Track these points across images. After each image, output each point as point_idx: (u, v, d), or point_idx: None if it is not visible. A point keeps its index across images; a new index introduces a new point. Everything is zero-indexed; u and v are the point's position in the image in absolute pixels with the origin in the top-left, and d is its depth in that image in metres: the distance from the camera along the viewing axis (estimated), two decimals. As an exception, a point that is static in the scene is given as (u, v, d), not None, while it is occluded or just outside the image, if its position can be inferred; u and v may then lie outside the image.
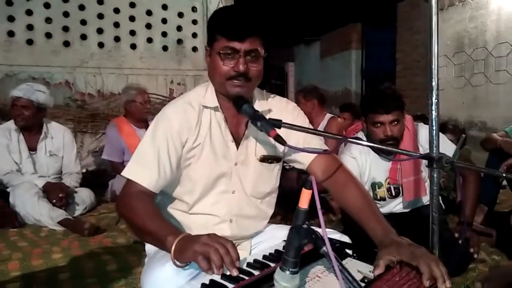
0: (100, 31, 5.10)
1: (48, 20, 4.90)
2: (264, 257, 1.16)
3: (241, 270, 1.02)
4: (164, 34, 5.37)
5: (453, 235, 1.93)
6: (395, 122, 1.93)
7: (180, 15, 5.43)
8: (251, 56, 1.21)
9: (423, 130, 2.07)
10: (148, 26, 5.30)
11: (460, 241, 1.81)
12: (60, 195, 2.83)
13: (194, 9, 5.47)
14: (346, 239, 1.31)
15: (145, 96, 3.57)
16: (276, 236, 1.38)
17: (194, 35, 5.50)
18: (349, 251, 1.17)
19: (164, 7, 5.35)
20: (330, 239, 0.97)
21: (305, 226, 0.89)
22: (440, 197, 1.46)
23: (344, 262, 1.10)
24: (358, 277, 0.98)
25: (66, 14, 4.95)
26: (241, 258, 1.03)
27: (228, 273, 0.99)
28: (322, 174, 1.35)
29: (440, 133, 1.46)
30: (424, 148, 2.03)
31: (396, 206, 2.14)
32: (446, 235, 1.87)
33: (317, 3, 8.11)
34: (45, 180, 2.96)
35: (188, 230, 1.30)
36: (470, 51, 5.28)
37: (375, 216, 1.21)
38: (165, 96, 5.15)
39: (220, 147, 1.32)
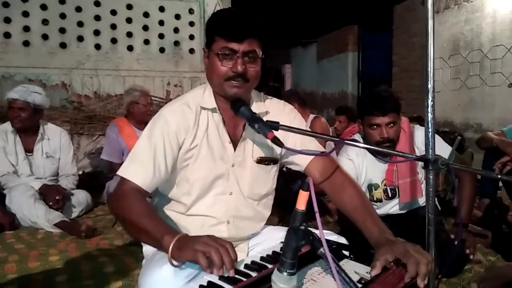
0: (97, 32, 5.10)
1: (45, 21, 4.90)
2: (262, 258, 1.16)
3: (238, 272, 1.03)
4: (161, 36, 5.38)
5: (449, 236, 1.94)
6: (391, 124, 1.94)
7: (177, 17, 5.43)
8: (249, 57, 1.22)
9: (419, 132, 2.08)
10: (145, 28, 5.30)
11: (456, 242, 1.82)
12: (57, 197, 2.81)
13: (191, 11, 5.48)
14: (343, 240, 1.32)
15: (148, 98, 3.57)
16: (273, 238, 1.38)
17: (191, 37, 5.51)
18: (346, 253, 1.18)
19: (161, 9, 5.35)
20: (327, 241, 0.98)
21: (302, 227, 0.90)
22: (436, 198, 1.48)
23: (341, 263, 1.10)
24: (355, 278, 0.99)
25: (62, 16, 4.95)
26: (238, 259, 1.04)
27: (226, 274, 1.00)
28: (320, 175, 1.36)
29: (436, 135, 1.47)
30: (420, 150, 2.04)
31: (392, 207, 2.15)
32: (442, 236, 1.88)
33: (314, 5, 8.15)
34: (42, 182, 2.95)
35: (185, 232, 1.30)
36: (465, 54, 5.32)
37: (371, 217, 1.22)
38: (162, 98, 5.15)
39: (217, 149, 1.33)
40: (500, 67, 4.82)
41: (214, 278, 1.00)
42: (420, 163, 2.09)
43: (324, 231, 1.15)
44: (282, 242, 1.25)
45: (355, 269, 1.05)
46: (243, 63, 1.21)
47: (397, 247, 1.04)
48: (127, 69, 5.20)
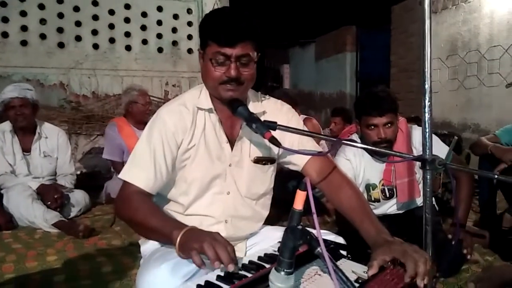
0: (95, 32, 5.09)
1: (43, 21, 4.88)
2: (259, 258, 1.16)
3: (236, 272, 1.03)
4: (159, 35, 5.37)
5: (447, 236, 1.95)
6: (389, 125, 1.94)
7: (175, 17, 5.43)
8: (242, 61, 1.22)
9: (417, 132, 2.08)
10: (143, 27, 5.29)
11: (453, 242, 1.83)
12: (55, 196, 2.81)
13: (189, 11, 5.48)
14: (340, 240, 1.32)
15: (146, 98, 3.58)
16: (271, 237, 1.39)
17: (189, 37, 5.50)
18: (344, 252, 1.19)
19: (159, 9, 5.35)
20: (325, 240, 0.98)
21: (299, 227, 0.90)
22: (434, 198, 1.48)
23: (338, 263, 1.11)
24: (353, 277, 0.99)
25: (60, 15, 4.93)
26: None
27: (230, 270, 1.00)
28: (317, 175, 1.36)
29: (434, 135, 1.48)
30: (417, 150, 2.04)
31: (390, 207, 2.16)
32: (439, 236, 1.89)
33: (312, 5, 8.15)
34: (39, 182, 2.94)
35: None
36: (463, 54, 5.33)
37: (368, 217, 1.22)
38: (160, 97, 5.15)
39: (214, 148, 1.33)
40: (497, 68, 4.83)
41: (212, 278, 1.00)
42: (418, 164, 2.10)
43: (322, 231, 1.16)
44: (279, 242, 1.26)
45: (353, 269, 1.05)
46: (236, 68, 1.21)
47: (395, 247, 1.04)
48: (125, 69, 5.19)
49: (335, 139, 1.28)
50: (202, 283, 0.98)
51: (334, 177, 1.36)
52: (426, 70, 1.24)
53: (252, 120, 1.20)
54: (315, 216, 0.83)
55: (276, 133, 1.19)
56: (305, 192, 0.89)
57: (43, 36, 4.89)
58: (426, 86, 1.25)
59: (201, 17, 5.35)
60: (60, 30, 4.94)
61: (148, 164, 1.26)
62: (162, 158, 1.27)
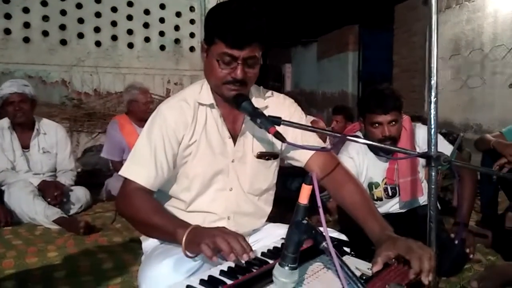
0: (97, 29, 5.09)
1: (45, 18, 4.89)
2: (263, 254, 1.15)
3: (239, 267, 1.02)
4: (161, 33, 5.37)
5: (449, 235, 1.94)
6: (393, 123, 1.93)
7: (178, 14, 5.43)
8: (248, 63, 1.21)
9: (421, 131, 2.08)
10: (146, 25, 5.29)
11: (456, 242, 1.82)
12: (56, 193, 2.80)
13: (192, 9, 5.47)
14: (343, 237, 1.31)
15: (147, 96, 3.55)
16: (274, 234, 1.37)
17: (192, 35, 5.50)
18: (347, 249, 1.18)
19: (162, 6, 5.35)
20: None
21: (304, 221, 0.89)
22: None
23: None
24: (357, 274, 0.98)
25: (63, 12, 4.94)
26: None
27: (243, 261, 0.99)
28: (320, 171, 1.35)
29: (438, 134, 1.47)
30: (421, 148, 2.03)
31: (392, 206, 2.15)
32: (442, 235, 1.88)
33: (315, 5, 8.13)
34: (40, 178, 2.93)
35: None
36: (466, 53, 5.32)
37: (372, 213, 1.21)
38: (162, 95, 5.15)
39: (217, 144, 1.32)
40: (501, 68, 4.82)
41: (215, 273, 1.00)
42: (421, 162, 2.10)
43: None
44: (283, 238, 1.26)
45: (357, 265, 1.04)
46: (242, 69, 1.19)
47: (399, 243, 1.03)
48: (127, 67, 5.19)
49: (339, 135, 1.27)
50: (205, 278, 0.97)
51: (337, 173, 1.34)
52: (433, 65, 1.23)
53: (257, 115, 1.19)
54: (321, 210, 0.82)
55: (279, 128, 1.18)
56: (311, 186, 0.88)
57: (45, 33, 4.89)
58: (432, 82, 1.24)
59: (204, 15, 5.39)
60: (62, 27, 4.95)
61: (148, 161, 1.24)
62: (163, 154, 1.25)
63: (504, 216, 2.34)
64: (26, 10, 4.79)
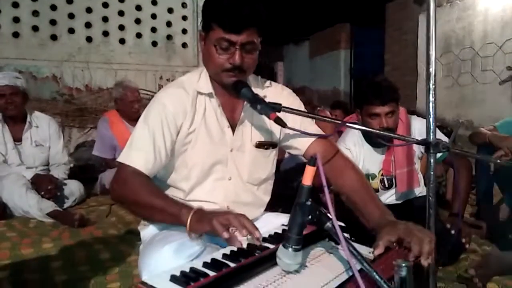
0: (88, 25, 5.05)
1: (35, 13, 4.83)
2: (264, 239, 1.15)
3: (241, 250, 1.02)
4: (153, 29, 5.34)
5: (445, 225, 1.95)
6: (391, 114, 1.94)
7: (170, 10, 5.40)
8: (246, 48, 1.20)
9: (417, 122, 2.09)
10: (138, 21, 5.26)
11: (453, 231, 1.83)
12: (49, 187, 2.76)
13: (184, 5, 5.45)
14: (341, 224, 1.32)
15: (135, 94, 3.50)
16: (273, 223, 1.37)
17: (184, 31, 5.48)
18: (347, 235, 1.18)
19: (154, 2, 5.32)
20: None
21: (308, 203, 0.89)
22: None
23: (343, 245, 1.10)
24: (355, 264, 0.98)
25: (53, 7, 4.89)
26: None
27: (229, 252, 0.99)
28: (320, 159, 1.35)
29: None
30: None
31: (389, 197, 2.16)
32: (438, 225, 1.89)
33: (306, 3, 8.14)
34: (33, 171, 2.89)
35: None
36: (457, 51, 5.37)
37: (372, 199, 1.22)
38: (154, 92, 5.11)
39: (216, 133, 1.31)
40: (491, 65, 4.88)
41: (218, 256, 0.99)
42: (417, 153, 2.12)
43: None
44: (283, 225, 1.26)
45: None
46: (241, 55, 1.19)
47: (399, 227, 1.04)
48: (119, 63, 5.16)
49: (339, 121, 1.27)
50: (208, 261, 0.96)
51: (337, 160, 1.35)
52: (431, 53, 1.24)
53: (257, 101, 1.19)
54: (326, 189, 0.82)
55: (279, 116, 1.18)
56: (315, 168, 0.88)
57: (35, 28, 4.84)
58: (431, 70, 1.25)
59: (196, 12, 5.37)
60: (53, 22, 4.90)
61: (146, 146, 1.23)
62: (161, 140, 1.24)
63: (498, 208, 2.37)
64: (15, 5, 4.73)
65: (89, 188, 3.35)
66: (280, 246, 0.91)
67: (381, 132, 1.38)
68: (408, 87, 6.20)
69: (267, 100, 1.33)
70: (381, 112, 1.92)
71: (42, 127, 3.07)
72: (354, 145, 2.08)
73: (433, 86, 1.25)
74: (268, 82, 1.44)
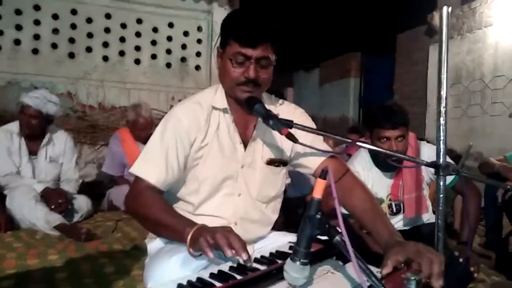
0: (105, 44, 5.17)
1: (55, 31, 4.97)
2: (271, 254, 1.15)
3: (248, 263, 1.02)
4: (168, 51, 5.45)
5: (454, 253, 1.93)
6: (401, 138, 1.95)
7: (186, 33, 5.52)
8: (262, 63, 1.23)
9: (426, 148, 2.10)
10: (153, 42, 5.38)
11: (461, 260, 1.80)
12: (60, 201, 2.77)
13: (199, 29, 5.58)
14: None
15: (148, 121, 3.53)
16: (279, 241, 1.36)
17: (198, 54, 5.58)
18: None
19: (170, 25, 5.44)
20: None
21: (318, 216, 0.89)
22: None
23: (349, 264, 1.09)
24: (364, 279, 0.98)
25: (73, 26, 5.02)
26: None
27: (241, 260, 0.99)
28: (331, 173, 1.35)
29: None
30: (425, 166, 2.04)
31: (396, 223, 2.13)
32: (447, 253, 1.87)
33: (318, 30, 8.30)
34: (44, 185, 2.91)
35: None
36: (467, 83, 5.39)
37: (381, 219, 1.22)
38: (166, 112, 5.17)
39: (228, 148, 1.33)
40: (501, 97, 4.88)
41: (225, 268, 0.99)
42: (426, 179, 2.11)
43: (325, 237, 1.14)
44: (290, 242, 1.25)
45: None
46: (255, 69, 1.22)
47: (409, 247, 1.03)
48: (133, 82, 5.25)
49: (350, 141, 1.28)
50: (215, 272, 0.97)
51: (346, 179, 1.35)
52: (443, 76, 1.26)
53: (269, 117, 1.20)
54: (336, 201, 0.83)
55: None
56: (325, 181, 0.89)
57: (54, 46, 4.96)
58: (442, 93, 1.27)
59: (210, 36, 5.50)
60: (71, 40, 5.02)
61: (159, 160, 1.25)
62: (174, 155, 1.26)
63: (507, 239, 2.33)
64: (37, 22, 4.87)
65: (96, 204, 3.37)
66: (288, 260, 0.91)
67: (391, 152, 1.39)
68: (417, 117, 6.21)
69: (279, 117, 1.36)
70: (391, 136, 1.93)
71: (59, 144, 3.12)
72: (362, 168, 2.08)
73: (444, 109, 1.26)
74: (281, 101, 1.47)
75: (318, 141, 1.40)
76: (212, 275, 0.95)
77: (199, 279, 0.92)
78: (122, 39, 5.24)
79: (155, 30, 5.38)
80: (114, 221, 2.96)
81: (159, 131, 1.31)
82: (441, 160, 1.25)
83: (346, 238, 0.83)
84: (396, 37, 7.34)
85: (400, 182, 2.07)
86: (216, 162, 1.32)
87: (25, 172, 2.96)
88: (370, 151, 2.12)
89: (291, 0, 7.93)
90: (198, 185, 1.32)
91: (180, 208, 1.36)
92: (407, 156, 1.69)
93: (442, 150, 1.26)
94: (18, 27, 4.77)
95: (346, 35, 8.21)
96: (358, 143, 1.32)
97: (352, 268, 1.04)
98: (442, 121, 1.25)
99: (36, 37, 4.87)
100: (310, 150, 1.36)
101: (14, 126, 2.98)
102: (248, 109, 1.27)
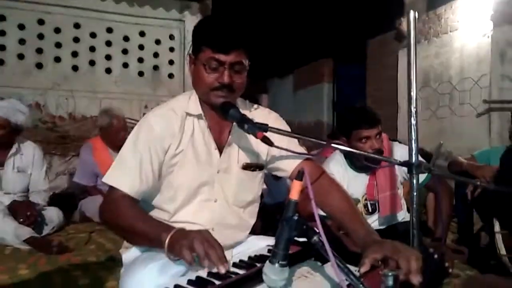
0: (75, 54, 5.07)
1: (22, 41, 4.84)
2: (250, 258, 1.15)
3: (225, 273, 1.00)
4: (140, 60, 5.40)
5: (428, 250, 1.96)
6: (379, 136, 2.00)
7: (158, 42, 5.48)
8: (235, 68, 1.23)
9: (398, 148, 2.14)
10: (125, 51, 5.32)
11: (435, 256, 1.84)
12: (28, 213, 2.68)
13: (171, 37, 5.55)
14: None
15: (121, 123, 3.51)
16: (257, 246, 1.36)
17: (171, 62, 5.55)
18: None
19: (142, 33, 5.40)
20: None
21: (295, 217, 0.89)
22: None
23: (328, 264, 1.09)
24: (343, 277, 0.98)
25: (40, 36, 4.91)
26: None
27: (215, 270, 0.98)
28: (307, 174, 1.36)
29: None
30: (399, 166, 2.08)
31: (372, 222, 2.16)
32: (421, 250, 1.90)
33: (291, 37, 8.40)
34: (11, 198, 2.82)
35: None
36: (435, 86, 5.56)
37: (358, 219, 1.23)
38: (138, 120, 5.10)
39: (203, 154, 1.32)
40: (468, 98, 5.05)
41: (203, 274, 0.98)
42: (399, 179, 2.15)
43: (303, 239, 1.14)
44: (268, 245, 1.25)
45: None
46: (229, 75, 1.22)
47: (386, 245, 1.04)
48: (104, 92, 5.16)
49: (324, 142, 1.29)
50: (193, 279, 0.95)
51: (323, 181, 1.36)
52: (412, 77, 1.29)
53: (244, 121, 1.20)
54: (313, 202, 0.83)
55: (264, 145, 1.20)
56: (301, 182, 0.89)
57: (21, 56, 4.83)
58: (412, 93, 1.29)
59: (183, 44, 5.47)
60: (39, 50, 4.91)
61: (133, 169, 1.23)
62: (148, 162, 1.25)
63: (479, 235, 2.40)
64: (2, 33, 4.74)
65: (68, 216, 3.28)
66: (267, 262, 0.90)
67: (365, 153, 1.41)
68: (389, 120, 6.34)
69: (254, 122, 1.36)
70: (371, 135, 1.97)
71: (27, 154, 3.03)
72: (337, 170, 2.10)
73: (415, 109, 1.29)
74: (255, 106, 1.47)
75: (293, 144, 1.41)
76: (190, 282, 0.93)
77: (176, 286, 0.90)
78: (92, 49, 5.16)
79: (126, 39, 5.32)
80: (87, 233, 2.88)
81: (132, 139, 1.28)
82: (414, 159, 1.27)
83: (324, 238, 0.83)
84: (367, 42, 7.50)
85: (375, 182, 2.10)
86: (192, 169, 1.30)
87: (-10, 183, 2.85)
88: (345, 154, 2.14)
89: (263, 9, 8.00)
90: (174, 193, 1.30)
91: (156, 216, 1.33)
92: (380, 156, 1.72)
93: (414, 149, 1.28)
94: (-17, 38, 4.63)
95: (318, 41, 8.33)
96: (333, 145, 1.32)
97: (330, 268, 1.05)
98: (413, 121, 1.28)
99: (1, 47, 4.74)
100: (286, 153, 1.36)
101: None
102: (222, 114, 1.26)
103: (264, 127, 1.23)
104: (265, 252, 1.20)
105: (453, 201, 2.12)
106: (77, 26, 5.08)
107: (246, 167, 1.38)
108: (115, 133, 3.43)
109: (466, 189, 2.39)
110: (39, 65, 4.91)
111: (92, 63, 5.16)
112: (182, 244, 1.02)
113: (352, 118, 2.02)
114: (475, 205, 2.53)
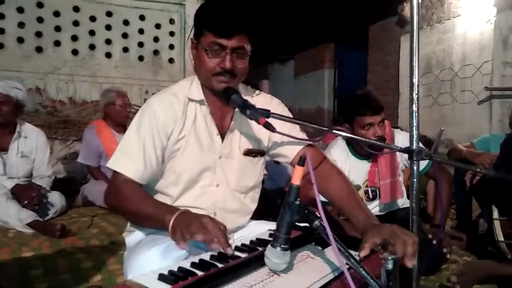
0: (74, 38, 5.03)
1: (21, 24, 4.80)
2: (252, 242, 1.16)
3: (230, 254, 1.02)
4: (140, 44, 5.34)
5: (427, 236, 1.99)
6: (382, 123, 2.00)
7: (158, 26, 5.42)
8: (237, 53, 1.23)
9: (399, 136, 2.15)
10: (125, 35, 5.26)
11: (434, 242, 1.86)
12: (33, 194, 2.68)
13: (171, 21, 5.49)
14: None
15: (125, 99, 3.55)
16: (259, 230, 1.38)
17: (171, 46, 5.50)
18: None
19: (142, 17, 5.33)
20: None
21: (297, 202, 0.90)
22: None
23: (327, 248, 1.11)
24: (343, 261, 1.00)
25: (40, 20, 4.86)
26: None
27: (216, 254, 0.99)
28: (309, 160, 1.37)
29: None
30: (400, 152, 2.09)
31: (373, 209, 2.19)
32: (420, 236, 1.92)
33: (292, 22, 8.31)
34: (15, 182, 2.82)
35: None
36: (437, 72, 5.53)
37: (358, 204, 1.24)
38: (139, 105, 5.09)
39: (205, 140, 1.33)
40: (470, 85, 5.03)
41: (206, 257, 1.00)
42: (401, 166, 2.16)
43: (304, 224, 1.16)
44: (270, 230, 1.27)
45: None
46: (231, 59, 1.21)
47: (384, 229, 1.06)
48: (104, 76, 5.13)
49: (326, 129, 1.30)
50: (197, 261, 0.97)
51: (324, 167, 1.37)
52: (414, 64, 1.29)
53: (247, 106, 1.21)
54: (315, 186, 0.84)
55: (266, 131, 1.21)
56: (303, 168, 0.90)
57: (20, 40, 4.79)
58: (414, 80, 1.30)
59: (183, 28, 5.42)
60: (38, 34, 4.86)
61: (137, 154, 1.24)
62: (151, 148, 1.26)
63: (477, 222, 2.42)
64: (1, 16, 4.69)
65: (70, 200, 3.30)
66: (269, 246, 0.92)
67: (367, 140, 1.42)
68: (390, 106, 6.33)
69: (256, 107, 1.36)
70: (375, 122, 1.97)
71: (31, 139, 3.03)
72: (339, 156, 2.12)
73: (416, 96, 1.29)
74: (257, 91, 1.47)
75: (295, 131, 1.41)
76: (193, 264, 0.95)
77: (180, 269, 0.92)
78: (92, 33, 5.10)
79: (126, 23, 5.26)
80: (90, 217, 2.91)
81: (136, 124, 1.29)
82: (415, 145, 1.28)
83: (325, 222, 0.84)
84: (368, 28, 7.44)
85: (376, 169, 2.12)
86: (194, 154, 1.31)
87: (-6, 168, 2.86)
88: (347, 141, 2.15)
89: (264, -7, 7.92)
90: (176, 177, 1.31)
91: (159, 200, 1.35)
92: (382, 143, 1.73)
93: (415, 136, 1.29)
94: (-19, 21, 4.58)
95: (319, 26, 8.24)
96: (334, 130, 1.32)
97: (331, 252, 1.07)
98: (414, 107, 1.29)
99: (1, 31, 4.69)
100: (288, 139, 1.38)
101: None
102: (225, 100, 1.26)
103: (266, 113, 1.23)
104: (266, 237, 1.21)
105: (452, 189, 2.14)
106: (76, 9, 5.02)
107: (248, 153, 1.39)
108: (119, 109, 3.45)
109: (465, 176, 2.41)
110: (39, 49, 4.87)
111: (92, 47, 5.11)
112: (181, 229, 1.04)
113: (355, 104, 2.02)
114: (473, 192, 2.55)
